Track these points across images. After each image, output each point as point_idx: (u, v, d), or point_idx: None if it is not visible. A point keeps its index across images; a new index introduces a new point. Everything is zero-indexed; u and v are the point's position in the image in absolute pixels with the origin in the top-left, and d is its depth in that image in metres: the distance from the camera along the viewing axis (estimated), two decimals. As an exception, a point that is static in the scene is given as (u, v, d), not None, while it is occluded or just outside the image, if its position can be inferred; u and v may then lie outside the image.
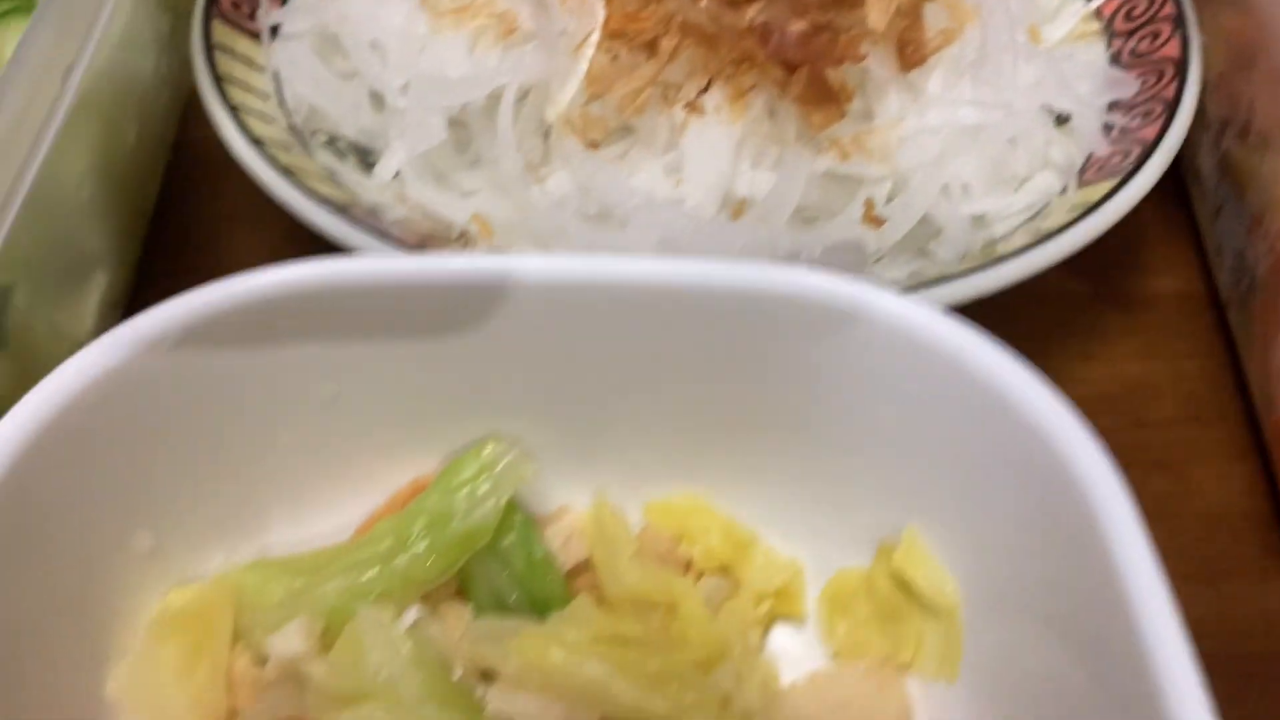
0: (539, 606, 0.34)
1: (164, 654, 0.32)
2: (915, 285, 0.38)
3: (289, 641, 0.31)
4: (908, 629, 0.34)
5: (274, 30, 0.48)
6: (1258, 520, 0.42)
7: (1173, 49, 0.47)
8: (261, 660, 0.33)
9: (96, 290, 0.41)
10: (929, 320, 0.31)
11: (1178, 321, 0.48)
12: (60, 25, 0.34)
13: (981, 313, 0.34)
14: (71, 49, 0.34)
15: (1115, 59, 0.49)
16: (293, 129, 0.46)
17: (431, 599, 0.34)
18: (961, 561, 0.34)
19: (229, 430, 0.33)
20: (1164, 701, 0.26)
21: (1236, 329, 0.46)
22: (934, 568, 0.34)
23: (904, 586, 0.34)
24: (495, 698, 0.31)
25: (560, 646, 0.31)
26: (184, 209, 0.52)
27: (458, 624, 0.33)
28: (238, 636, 0.33)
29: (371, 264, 0.33)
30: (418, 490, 0.35)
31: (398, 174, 0.45)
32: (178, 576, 0.33)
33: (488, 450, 0.34)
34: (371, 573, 0.33)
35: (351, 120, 0.47)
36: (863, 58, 0.42)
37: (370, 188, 0.45)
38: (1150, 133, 0.44)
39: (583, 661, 0.31)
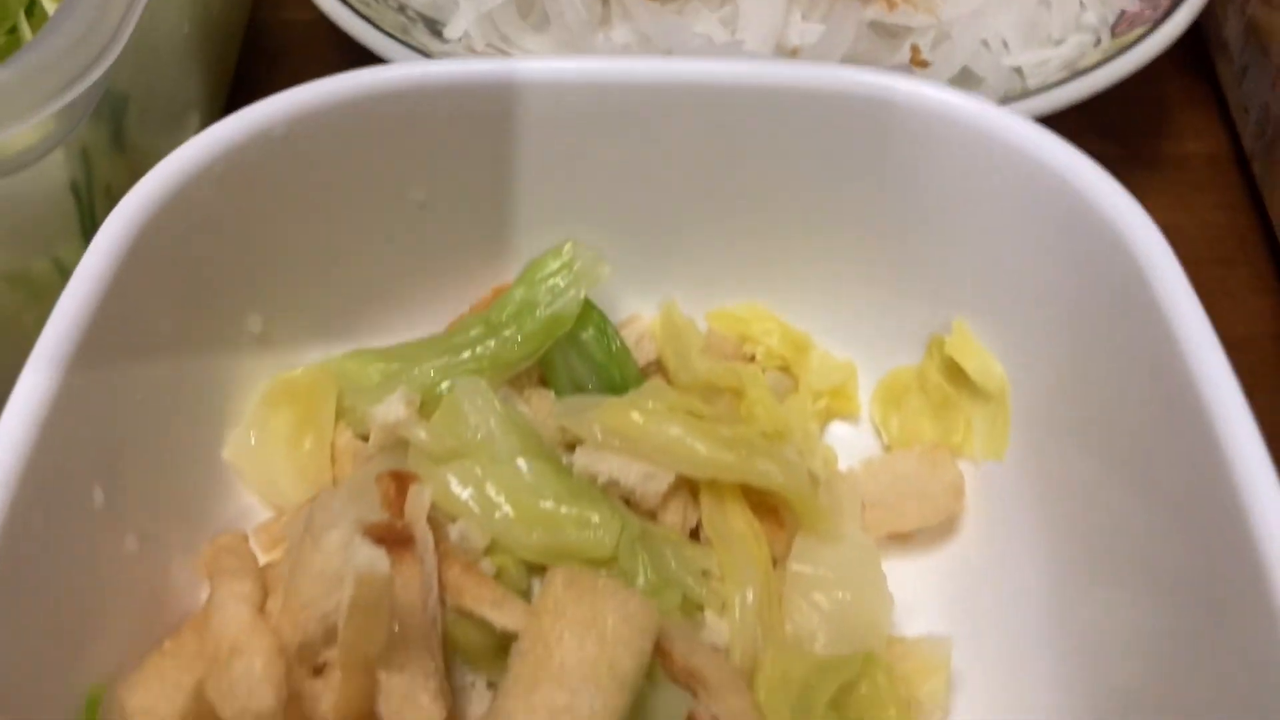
0: (616, 392, 0.36)
1: (274, 425, 0.35)
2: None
3: (391, 410, 0.34)
4: (957, 416, 0.37)
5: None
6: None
7: (1200, -83, 0.50)
8: (362, 436, 0.36)
9: (190, 132, 0.44)
10: (979, 110, 0.34)
11: (1206, 179, 0.51)
12: None
13: None
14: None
15: (1144, -69, 0.52)
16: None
17: (517, 384, 0.37)
18: (1009, 350, 0.36)
19: (330, 228, 0.36)
20: (1232, 478, 0.26)
21: (1261, 179, 0.49)
22: (983, 355, 0.36)
23: (954, 376, 0.37)
24: (581, 457, 0.34)
25: (640, 412, 0.34)
26: (257, 80, 0.55)
27: (542, 404, 0.36)
28: (339, 415, 0.36)
29: (458, 65, 0.35)
30: (498, 295, 0.38)
31: (465, 34, 0.48)
32: (283, 363, 0.36)
33: (567, 249, 0.37)
34: (464, 355, 0.36)
35: (422, -13, 0.49)
36: (908, -87, 0.45)
37: (439, 48, 0.48)
38: (1177, -9, 0.46)
39: (661, 423, 0.34)
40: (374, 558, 0.27)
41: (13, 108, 0.30)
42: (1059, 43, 0.48)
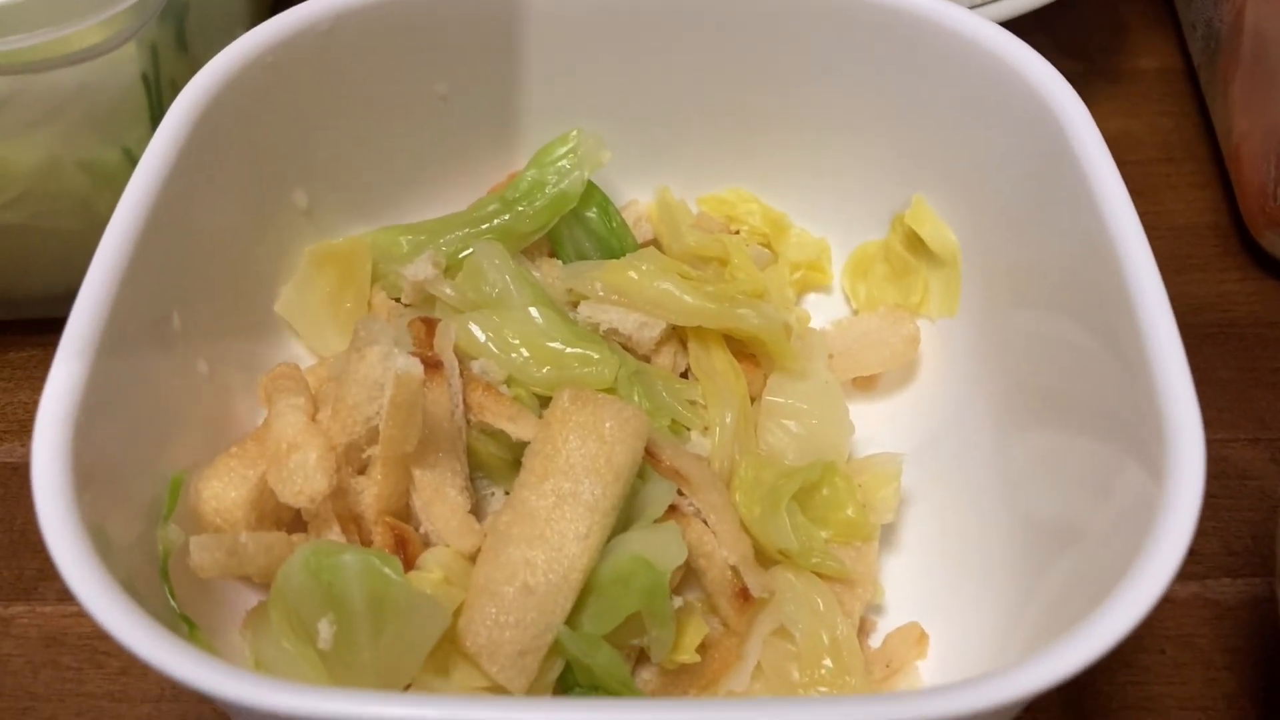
0: (614, 258, 0.41)
1: (318, 283, 0.40)
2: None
3: (420, 269, 0.39)
4: (916, 280, 0.42)
5: None
6: (1218, 230, 0.49)
7: None
8: (395, 298, 0.41)
9: (244, 19, 0.49)
10: (932, 5, 0.39)
11: (1157, 89, 0.55)
12: None
13: None
14: None
15: None
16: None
17: (529, 254, 0.42)
18: (961, 220, 0.41)
19: (365, 116, 0.41)
20: (1140, 328, 0.30)
21: (1206, 87, 0.53)
22: (938, 225, 0.41)
23: (913, 246, 0.42)
24: (584, 310, 0.39)
25: (636, 271, 0.39)
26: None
27: (551, 269, 0.41)
28: (375, 280, 0.41)
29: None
30: (512, 179, 0.43)
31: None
32: (325, 234, 0.42)
33: (573, 135, 0.42)
34: (482, 227, 0.41)
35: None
36: None
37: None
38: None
39: (655, 280, 0.39)
40: (410, 364, 0.32)
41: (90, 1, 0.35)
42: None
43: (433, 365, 0.35)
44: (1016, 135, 0.37)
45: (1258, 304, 0.47)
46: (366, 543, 0.34)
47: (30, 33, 0.35)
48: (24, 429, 0.43)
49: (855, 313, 0.44)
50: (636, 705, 0.26)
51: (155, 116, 0.42)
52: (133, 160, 0.43)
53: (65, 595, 0.38)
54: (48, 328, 0.46)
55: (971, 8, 0.46)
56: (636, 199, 0.45)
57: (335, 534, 0.33)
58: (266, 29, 0.38)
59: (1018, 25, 0.42)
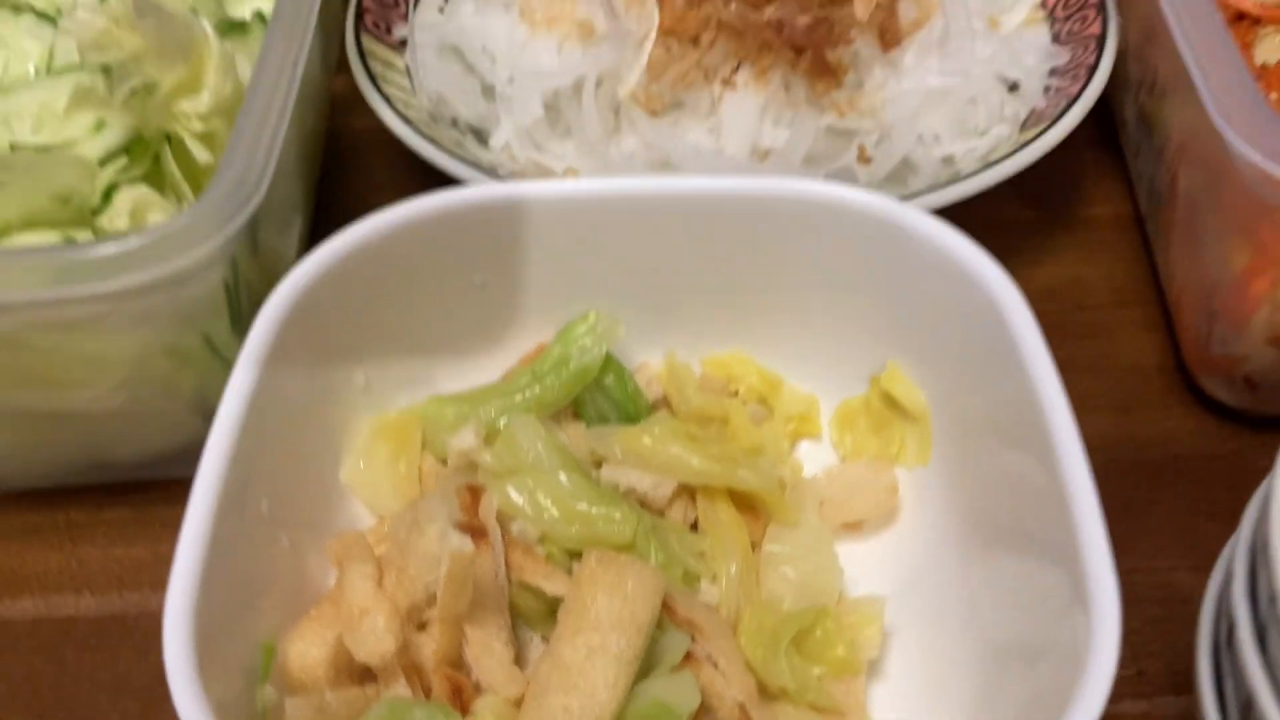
0: (632, 422, 0.48)
1: (377, 452, 0.47)
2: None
3: (464, 439, 0.46)
4: (893, 434, 0.48)
5: (403, 42, 0.64)
6: (1164, 371, 0.56)
7: (1096, 28, 0.62)
8: (441, 460, 0.47)
9: (296, 229, 0.56)
10: (901, 210, 0.45)
11: (1111, 236, 0.62)
12: (288, 34, 0.50)
13: None
14: (295, 51, 0.50)
15: (1055, 38, 0.64)
16: (429, 114, 0.61)
17: (557, 419, 0.48)
18: (928, 383, 0.47)
19: (415, 305, 0.48)
20: (1061, 469, 0.37)
21: (1151, 237, 0.60)
22: (909, 386, 0.47)
23: (890, 404, 0.48)
24: (606, 471, 0.45)
25: (649, 436, 0.45)
26: (335, 180, 0.67)
27: (576, 434, 0.48)
28: (424, 446, 0.48)
29: (507, 187, 0.48)
30: (540, 352, 0.50)
31: (506, 144, 0.60)
32: (381, 408, 0.48)
33: (592, 316, 0.49)
34: (516, 398, 0.47)
35: (469, 107, 0.62)
36: (852, 41, 0.57)
37: (486, 155, 0.60)
38: (1075, 90, 0.58)
39: (666, 444, 0.45)
40: (462, 542, 0.39)
41: (196, 237, 0.42)
42: (984, 133, 0.60)
43: (480, 534, 0.41)
44: (967, 316, 0.44)
45: (1200, 440, 0.53)
46: (427, 690, 0.40)
47: (138, 272, 0.42)
48: (121, 582, 0.49)
49: (842, 459, 0.50)
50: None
51: (233, 311, 0.48)
52: (212, 346, 0.50)
53: (166, 735, 0.44)
54: (135, 489, 0.53)
55: (934, 187, 0.53)
56: (648, 361, 0.51)
57: (401, 684, 0.39)
58: (332, 246, 0.45)
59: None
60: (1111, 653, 0.33)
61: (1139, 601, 0.47)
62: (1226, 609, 0.35)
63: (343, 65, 0.63)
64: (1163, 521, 0.50)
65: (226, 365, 0.49)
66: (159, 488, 0.52)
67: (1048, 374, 0.40)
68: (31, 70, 0.60)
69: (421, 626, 0.41)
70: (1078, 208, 0.63)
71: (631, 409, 0.48)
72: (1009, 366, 0.41)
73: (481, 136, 0.62)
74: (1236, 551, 0.35)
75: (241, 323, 0.49)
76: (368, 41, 0.62)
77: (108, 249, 0.42)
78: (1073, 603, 0.36)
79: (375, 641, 0.39)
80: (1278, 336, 0.50)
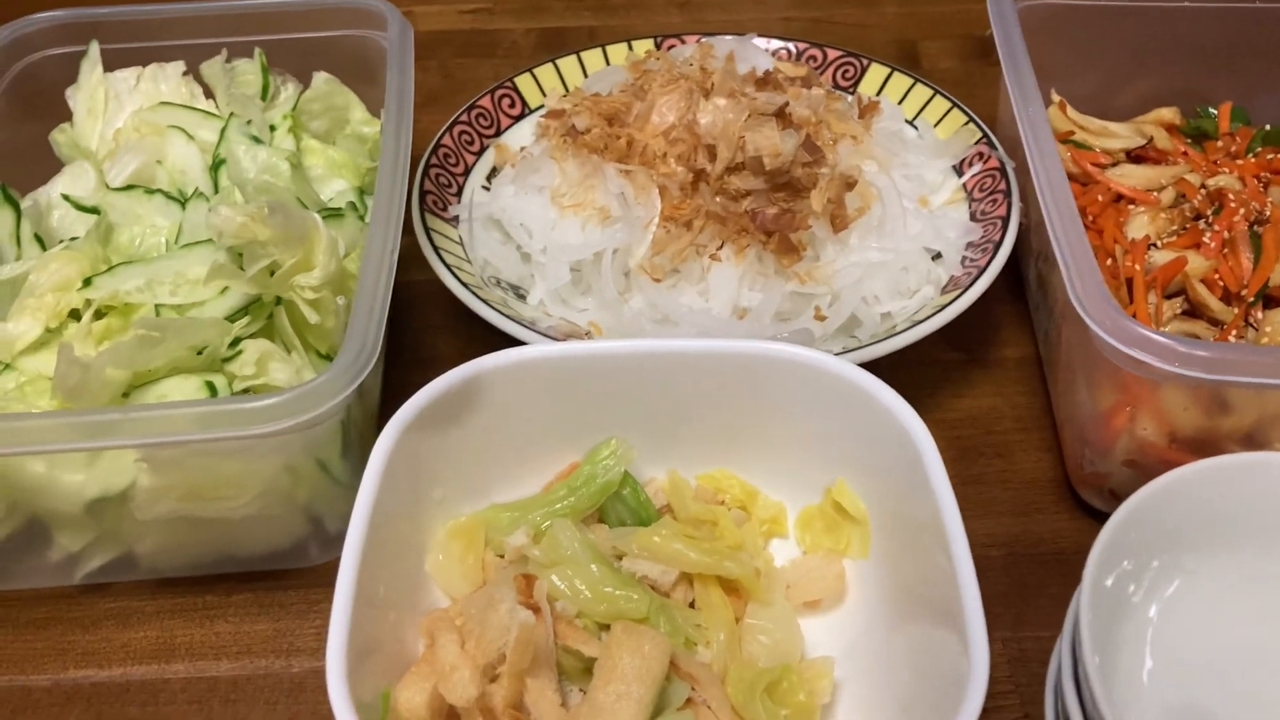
0: (644, 525, 0.63)
1: (451, 549, 0.62)
2: (844, 352, 0.68)
3: (518, 538, 0.61)
4: (842, 533, 0.64)
5: (457, 218, 0.81)
6: (1054, 484, 0.71)
7: (1003, 210, 0.78)
8: (500, 555, 0.62)
9: (378, 374, 0.72)
10: (847, 369, 0.61)
11: (1017, 374, 0.78)
12: (384, 228, 0.66)
13: (894, 373, 0.61)
14: (390, 241, 0.66)
15: (973, 216, 0.81)
16: (479, 276, 0.77)
17: (587, 522, 0.63)
18: (867, 493, 0.63)
19: (478, 437, 0.63)
20: (956, 566, 0.52)
21: (1048, 376, 0.76)
22: (853, 498, 0.63)
23: (839, 510, 0.64)
24: (626, 563, 0.60)
25: (658, 535, 0.61)
26: (398, 325, 0.83)
27: (601, 534, 0.63)
28: (486, 543, 0.63)
29: (544, 348, 0.63)
30: (573, 469, 0.65)
31: (541, 301, 0.76)
32: (453, 515, 0.63)
33: (613, 443, 0.64)
34: (556, 506, 0.63)
35: (509, 269, 0.78)
36: (810, 226, 0.73)
37: (524, 310, 0.76)
38: (985, 261, 0.74)
39: (670, 542, 0.60)
40: (527, 616, 0.53)
41: (329, 394, 0.57)
42: (914, 293, 0.76)
43: (537, 611, 0.56)
44: (889, 443, 0.59)
45: (1080, 538, 0.68)
46: (497, 726, 0.54)
47: (285, 420, 0.57)
48: (250, 651, 0.64)
49: (804, 553, 0.65)
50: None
51: (345, 441, 0.64)
52: (324, 468, 0.65)
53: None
54: (256, 578, 0.67)
55: (875, 339, 0.69)
56: (655, 477, 0.67)
57: (479, 721, 0.54)
58: (417, 399, 0.60)
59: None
60: (982, 683, 0.47)
61: (1028, 662, 0.63)
62: (1059, 683, 0.50)
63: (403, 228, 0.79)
64: (1050, 602, 0.65)
65: (334, 482, 0.65)
66: (275, 576, 0.67)
67: (946, 492, 0.55)
68: (163, 242, 0.76)
69: (493, 679, 0.55)
70: (992, 350, 0.80)
71: (644, 514, 0.63)
72: (921, 484, 0.56)
73: (520, 293, 0.78)
74: (1062, 643, 0.49)
75: (349, 451, 0.65)
76: (429, 218, 0.78)
77: (264, 402, 0.57)
78: (960, 656, 0.50)
79: (462, 689, 0.53)
80: (1133, 460, 0.66)
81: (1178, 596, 0.52)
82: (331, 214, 0.73)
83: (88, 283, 0.69)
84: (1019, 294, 0.83)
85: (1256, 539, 0.52)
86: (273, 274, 0.67)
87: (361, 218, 0.74)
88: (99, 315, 0.69)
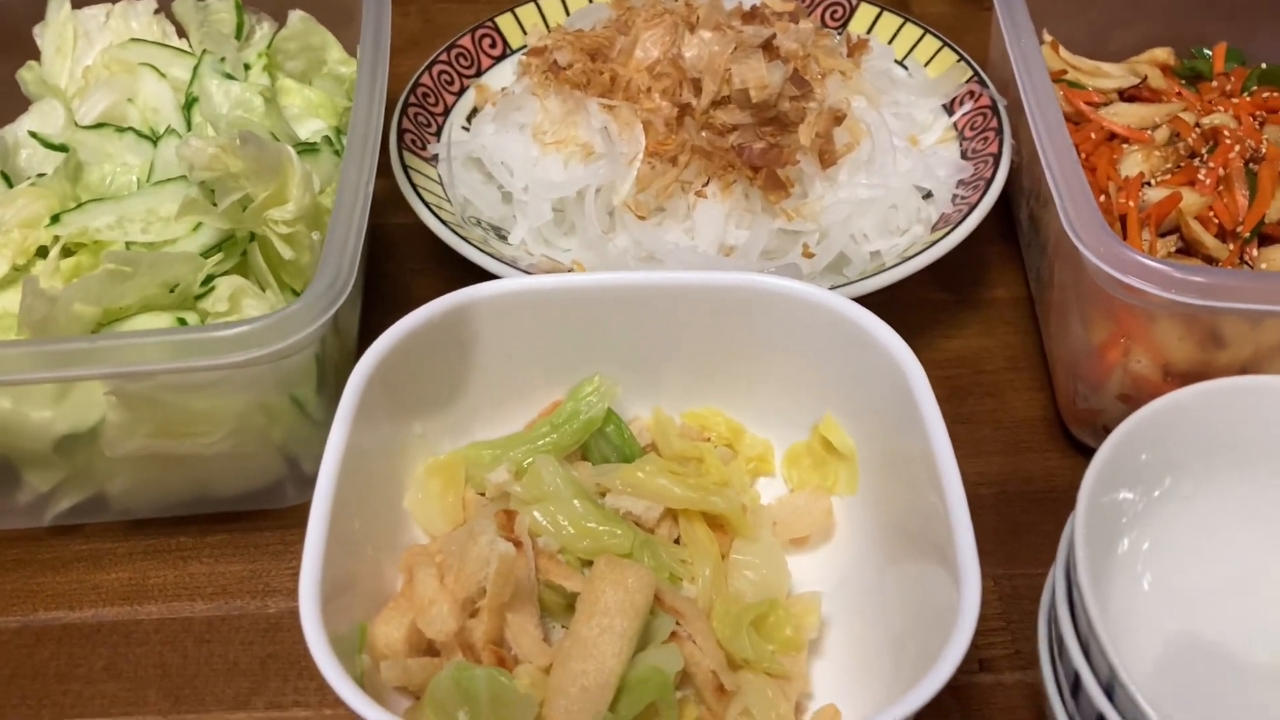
0: (627, 462, 0.61)
1: (430, 486, 0.60)
2: (833, 289, 0.67)
3: (499, 475, 0.59)
4: (829, 470, 0.62)
5: (436, 156, 0.79)
6: (1046, 422, 0.70)
7: (994, 147, 0.77)
8: (480, 493, 0.61)
9: (358, 309, 0.70)
10: (836, 301, 0.59)
11: (1008, 314, 0.77)
12: (359, 160, 0.64)
13: (884, 314, 0.58)
14: (366, 173, 0.64)
15: (964, 154, 0.79)
16: (459, 215, 0.75)
17: (569, 460, 0.62)
18: (855, 429, 0.61)
19: (459, 373, 0.62)
20: (946, 494, 0.50)
21: (1039, 315, 0.75)
22: (840, 433, 0.61)
23: (826, 446, 0.62)
24: (609, 500, 0.59)
25: (642, 471, 0.59)
26: (378, 267, 0.81)
27: (585, 471, 0.61)
28: (467, 481, 0.61)
29: (527, 280, 0.61)
30: (556, 406, 0.63)
31: (522, 240, 0.75)
32: (433, 452, 0.62)
33: (596, 379, 0.62)
34: (539, 443, 0.61)
35: (490, 209, 0.76)
36: (798, 162, 0.72)
37: (506, 249, 0.74)
38: (976, 199, 0.73)
39: (655, 478, 0.59)
40: (507, 548, 0.52)
41: (302, 323, 0.56)
42: (904, 232, 0.75)
43: (518, 545, 0.54)
44: (881, 378, 0.58)
45: (1071, 475, 0.66)
46: (476, 662, 0.53)
47: (255, 349, 0.55)
48: (225, 591, 0.62)
49: (791, 491, 0.64)
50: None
51: (320, 377, 0.62)
52: (299, 405, 0.63)
53: (271, 704, 0.57)
54: (231, 518, 0.66)
55: (864, 276, 0.68)
56: (639, 414, 0.65)
57: (459, 657, 0.53)
58: (398, 328, 0.58)
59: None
60: (973, 610, 0.46)
61: (1019, 598, 0.62)
62: (1053, 610, 0.48)
63: (379, 170, 0.78)
64: (1041, 539, 0.64)
65: (310, 421, 0.63)
66: (250, 517, 0.66)
67: (938, 425, 0.53)
68: (134, 181, 0.74)
69: (472, 614, 0.54)
70: (982, 291, 0.78)
71: (628, 452, 0.62)
72: (912, 418, 0.55)
73: (501, 234, 0.76)
74: (1056, 569, 0.48)
75: (324, 387, 0.63)
76: (408, 157, 0.77)
77: (233, 330, 0.55)
78: (951, 588, 0.49)
79: (441, 623, 0.52)
80: (1126, 394, 0.65)
81: (1174, 522, 0.51)
82: (306, 149, 0.71)
83: (56, 219, 0.67)
84: (1009, 235, 0.82)
85: (1253, 464, 0.50)
86: (245, 209, 0.65)
87: (337, 153, 0.72)
88: (68, 253, 0.67)
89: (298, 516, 0.65)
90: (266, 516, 0.65)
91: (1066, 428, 0.69)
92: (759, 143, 0.71)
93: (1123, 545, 0.50)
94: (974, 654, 0.59)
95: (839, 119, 0.73)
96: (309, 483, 0.66)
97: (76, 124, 0.75)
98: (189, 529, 0.65)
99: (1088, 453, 0.68)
